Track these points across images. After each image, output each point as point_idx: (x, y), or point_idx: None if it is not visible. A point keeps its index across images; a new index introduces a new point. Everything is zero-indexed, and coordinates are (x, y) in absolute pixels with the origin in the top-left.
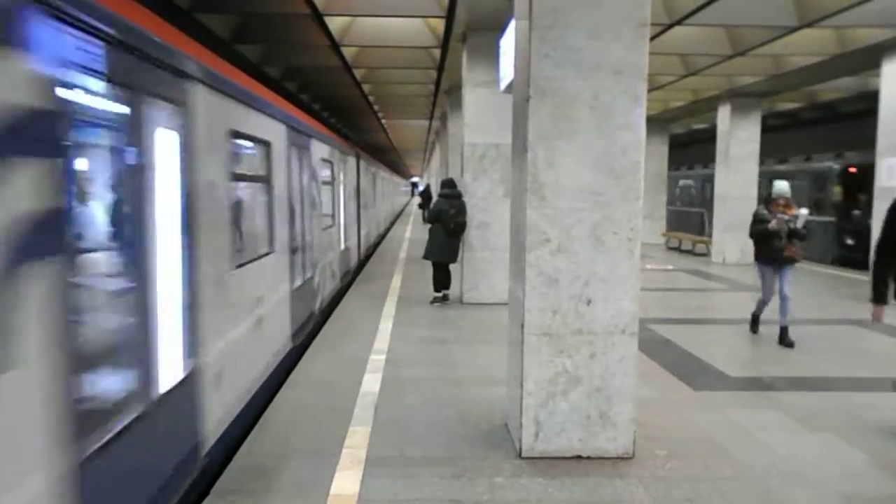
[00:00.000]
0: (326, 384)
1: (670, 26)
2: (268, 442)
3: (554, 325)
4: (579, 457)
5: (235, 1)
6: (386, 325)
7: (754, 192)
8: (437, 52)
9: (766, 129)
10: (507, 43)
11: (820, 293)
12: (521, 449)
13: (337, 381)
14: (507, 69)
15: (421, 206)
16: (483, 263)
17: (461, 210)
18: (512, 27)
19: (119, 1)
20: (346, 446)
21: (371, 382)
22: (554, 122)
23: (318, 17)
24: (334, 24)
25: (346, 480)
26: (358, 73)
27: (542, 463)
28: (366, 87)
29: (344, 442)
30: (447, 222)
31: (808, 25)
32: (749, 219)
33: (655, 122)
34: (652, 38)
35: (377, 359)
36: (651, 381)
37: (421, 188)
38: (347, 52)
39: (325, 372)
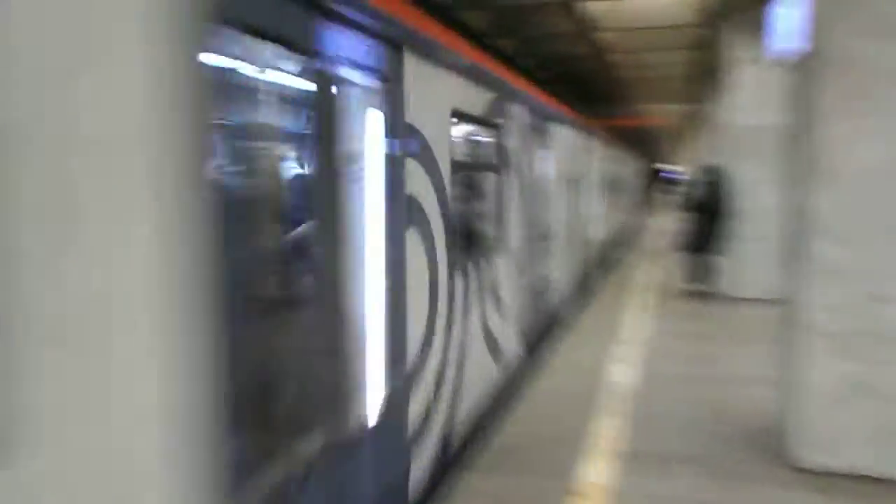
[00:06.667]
0: (580, 374)
1: None
2: (522, 426)
3: (837, 326)
4: (868, 477)
5: None
6: (642, 318)
7: None
8: (697, 32)
9: None
10: (785, 14)
11: None
12: (792, 459)
13: (591, 372)
14: (782, 42)
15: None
16: (748, 255)
17: (722, 197)
18: None
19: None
20: (599, 436)
21: (625, 374)
22: (847, 98)
23: (568, 5)
24: (590, 9)
25: (599, 470)
26: (614, 58)
27: (819, 478)
28: (621, 73)
29: (597, 432)
30: (706, 210)
31: None
32: None
33: None
34: None
35: (632, 351)
36: None
37: (674, 176)
38: (604, 36)
39: (579, 362)
